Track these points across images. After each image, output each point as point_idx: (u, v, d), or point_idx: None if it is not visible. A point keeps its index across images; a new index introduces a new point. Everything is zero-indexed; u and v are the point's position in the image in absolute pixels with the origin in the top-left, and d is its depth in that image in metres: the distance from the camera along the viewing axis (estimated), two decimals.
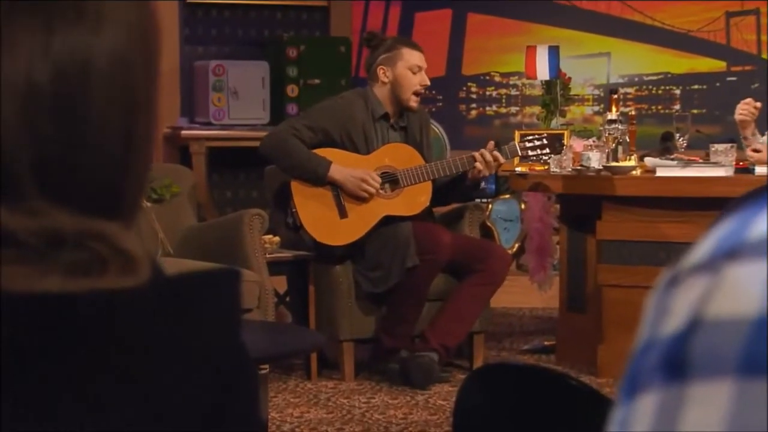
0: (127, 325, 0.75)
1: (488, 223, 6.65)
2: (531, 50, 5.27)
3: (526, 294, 6.21)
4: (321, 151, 4.69)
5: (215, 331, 0.78)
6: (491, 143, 4.73)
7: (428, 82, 4.79)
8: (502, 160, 4.69)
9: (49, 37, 0.74)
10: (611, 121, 4.90)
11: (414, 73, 4.72)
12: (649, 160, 4.79)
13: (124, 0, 0.78)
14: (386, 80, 4.75)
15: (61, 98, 0.75)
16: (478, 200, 6.57)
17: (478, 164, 4.65)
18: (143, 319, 0.76)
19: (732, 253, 0.48)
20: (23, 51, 0.74)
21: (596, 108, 7.00)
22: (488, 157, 4.65)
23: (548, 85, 5.40)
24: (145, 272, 0.75)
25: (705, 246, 0.50)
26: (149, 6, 0.81)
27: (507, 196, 6.70)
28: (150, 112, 0.80)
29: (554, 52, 5.24)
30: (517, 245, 6.72)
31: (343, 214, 4.70)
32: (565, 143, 4.97)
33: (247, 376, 0.80)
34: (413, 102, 4.75)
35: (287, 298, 5.14)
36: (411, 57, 4.74)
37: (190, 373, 0.76)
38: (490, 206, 6.77)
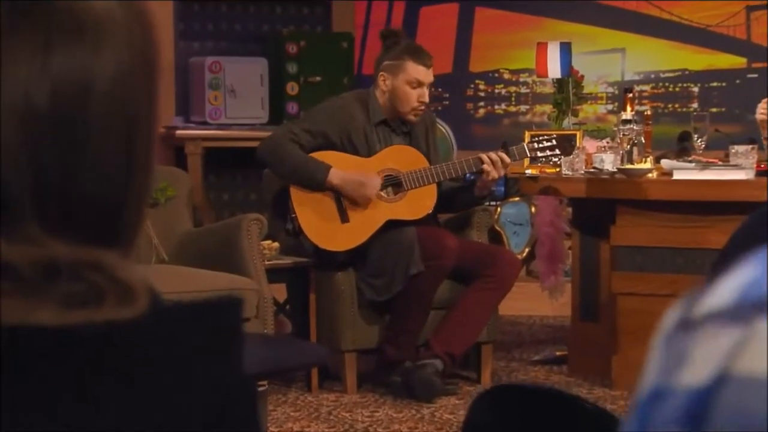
0: (123, 355, 0.76)
1: (497, 227, 6.65)
2: (542, 47, 5.27)
3: (537, 301, 6.21)
4: (321, 154, 4.69)
5: (214, 361, 0.79)
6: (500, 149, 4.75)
7: (426, 100, 4.75)
8: (508, 160, 4.69)
9: (48, 56, 0.75)
10: (626, 121, 4.89)
11: (413, 88, 4.71)
12: (665, 162, 4.79)
13: (124, 17, 0.79)
14: (385, 88, 4.76)
15: (60, 120, 0.75)
16: (486, 203, 6.60)
17: (485, 165, 4.66)
18: (140, 350, 0.76)
19: (762, 305, 0.47)
20: (21, 71, 0.75)
21: (610, 107, 7.00)
22: (494, 157, 4.66)
23: (560, 84, 5.40)
24: (143, 302, 0.76)
25: (726, 291, 0.50)
26: (149, 22, 0.82)
27: (516, 198, 6.70)
28: (150, 133, 0.81)
29: (566, 49, 5.24)
30: (527, 250, 6.72)
31: (344, 218, 4.71)
32: (578, 144, 4.98)
33: (247, 406, 0.81)
34: (411, 116, 4.75)
35: (287, 307, 5.15)
36: (413, 71, 4.71)
37: (187, 401, 0.77)
38: (498, 209, 6.77)
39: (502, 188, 6.80)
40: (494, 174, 4.69)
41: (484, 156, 4.68)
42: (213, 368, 0.79)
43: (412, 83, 4.72)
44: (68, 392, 0.74)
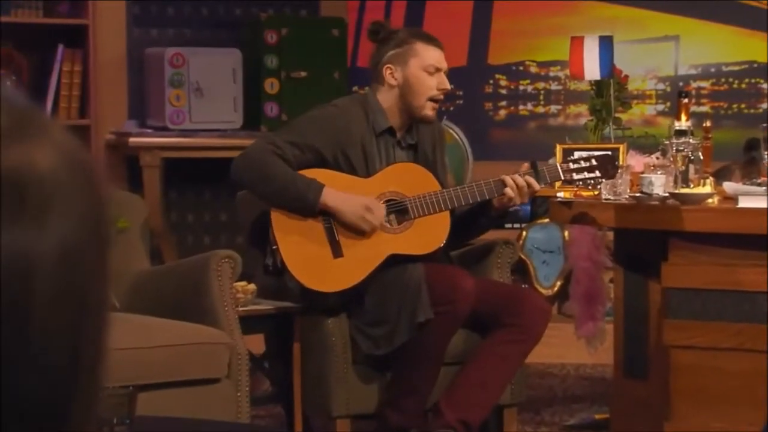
0: None
1: (522, 255, 6.67)
2: (577, 42, 5.28)
3: (570, 346, 6.23)
4: (309, 172, 4.71)
5: None
6: (525, 165, 4.76)
7: (448, 86, 4.81)
8: (536, 187, 4.71)
9: None
10: (680, 133, 4.89)
11: (430, 74, 4.75)
12: (729, 186, 4.80)
13: (71, 179, 0.80)
14: (394, 83, 4.77)
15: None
16: (509, 225, 6.62)
17: (508, 190, 4.68)
18: None
19: None
20: None
21: (661, 107, 7.02)
22: (520, 181, 4.68)
23: (599, 86, 5.41)
24: None
25: None
26: (99, 181, 0.83)
27: (546, 220, 6.72)
28: (102, 314, 0.82)
29: (607, 45, 5.24)
30: (558, 283, 6.74)
31: (337, 252, 4.72)
32: (621, 162, 4.98)
33: None
34: (429, 110, 4.78)
35: (266, 363, 5.16)
36: (427, 54, 4.76)
37: None
38: (524, 233, 6.79)
39: (528, 207, 6.82)
40: (517, 200, 4.71)
41: (508, 178, 4.69)
42: None
43: (429, 68, 4.75)
44: None
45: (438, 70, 4.78)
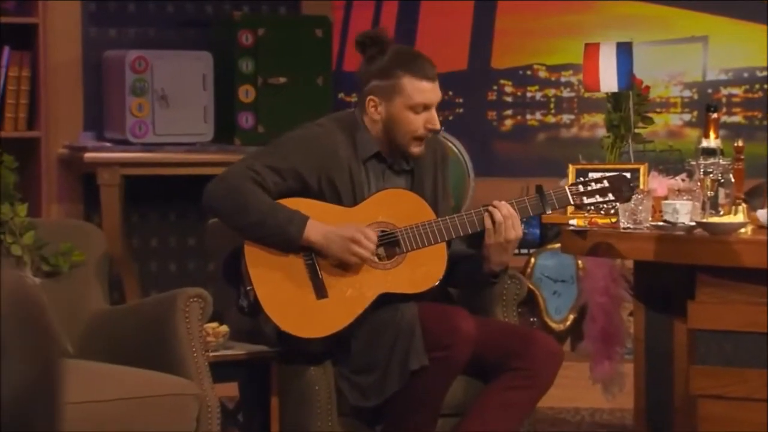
0: None
1: (530, 285, 6.67)
2: (592, 50, 5.28)
3: (585, 388, 6.23)
4: (290, 202, 4.70)
5: None
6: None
7: (437, 126, 4.78)
8: (517, 220, 4.67)
9: None
10: (708, 152, 4.88)
11: (417, 114, 4.72)
12: (763, 215, 4.80)
13: (20, 328, 0.81)
14: (377, 117, 4.76)
15: None
16: (515, 252, 6.61)
17: (487, 230, 4.66)
18: None
19: None
20: None
21: (687, 117, 7.02)
22: (498, 215, 4.66)
23: (616, 99, 5.40)
24: None
25: None
26: (50, 328, 0.84)
27: (557, 245, 6.72)
28: None
29: (625, 52, 5.24)
30: (571, 317, 6.73)
31: (320, 292, 4.71)
32: (641, 185, 4.97)
33: None
34: (414, 147, 4.75)
35: (239, 415, 5.15)
36: (414, 92, 4.71)
37: None
38: (532, 260, 6.78)
39: (537, 231, 6.82)
40: (498, 238, 4.67)
41: (489, 212, 4.68)
42: None
43: (416, 108, 4.72)
44: None
45: (426, 108, 4.75)
